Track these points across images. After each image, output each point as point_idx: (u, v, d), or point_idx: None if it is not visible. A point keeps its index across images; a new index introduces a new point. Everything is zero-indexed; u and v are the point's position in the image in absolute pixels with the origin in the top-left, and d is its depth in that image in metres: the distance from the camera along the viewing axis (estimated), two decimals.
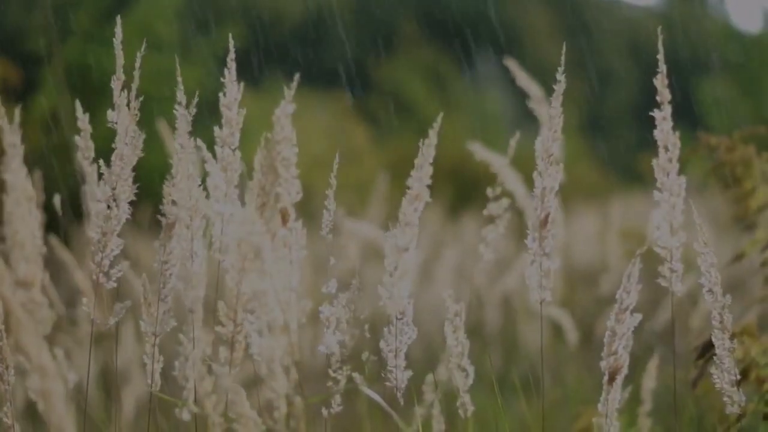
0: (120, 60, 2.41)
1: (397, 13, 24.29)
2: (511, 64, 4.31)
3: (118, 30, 2.41)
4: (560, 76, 2.38)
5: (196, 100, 2.43)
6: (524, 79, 4.29)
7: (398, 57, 22.71)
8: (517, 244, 6.32)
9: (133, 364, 4.10)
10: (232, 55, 2.44)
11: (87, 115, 2.56)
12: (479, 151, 3.86)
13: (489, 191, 2.95)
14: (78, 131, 2.56)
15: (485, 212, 2.95)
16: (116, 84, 2.41)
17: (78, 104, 2.56)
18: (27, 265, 2.85)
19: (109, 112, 2.41)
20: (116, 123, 2.41)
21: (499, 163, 3.90)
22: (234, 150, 2.44)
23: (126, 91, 2.42)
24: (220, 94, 2.44)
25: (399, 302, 2.33)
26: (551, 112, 2.39)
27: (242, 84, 2.46)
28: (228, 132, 2.45)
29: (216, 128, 2.44)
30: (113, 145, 2.42)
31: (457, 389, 2.56)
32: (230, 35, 2.47)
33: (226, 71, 2.44)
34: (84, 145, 2.59)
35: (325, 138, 14.55)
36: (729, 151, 3.29)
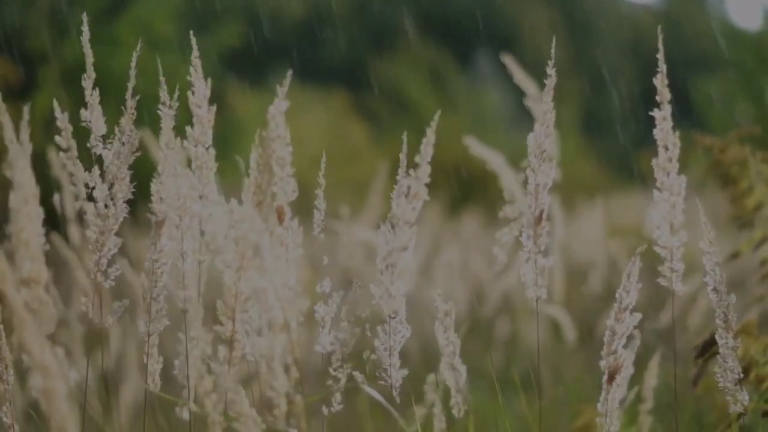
0: (89, 58, 2.41)
1: (396, 11, 24.29)
2: (509, 60, 4.30)
3: (86, 28, 2.42)
4: (551, 71, 2.38)
5: (177, 94, 2.43)
6: (521, 76, 4.29)
7: (397, 55, 22.71)
8: (515, 242, 6.32)
9: (133, 363, 4.11)
10: (196, 53, 2.43)
11: (66, 114, 2.56)
12: (475, 146, 3.85)
13: (506, 194, 2.94)
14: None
15: (501, 214, 2.94)
16: (87, 83, 2.41)
17: (56, 103, 2.56)
18: (32, 263, 2.85)
19: (82, 111, 2.41)
20: (90, 122, 2.41)
21: (495, 161, 3.89)
22: (207, 148, 2.43)
23: (95, 89, 2.42)
24: (189, 93, 2.43)
25: (396, 301, 2.33)
26: (543, 108, 2.39)
27: (210, 80, 2.45)
28: (200, 131, 2.44)
29: (188, 128, 2.43)
30: (88, 144, 2.41)
31: (451, 388, 2.56)
32: (191, 32, 2.46)
33: (191, 69, 2.43)
34: (66, 145, 2.59)
35: (324, 135, 14.55)
36: (722, 152, 3.30)
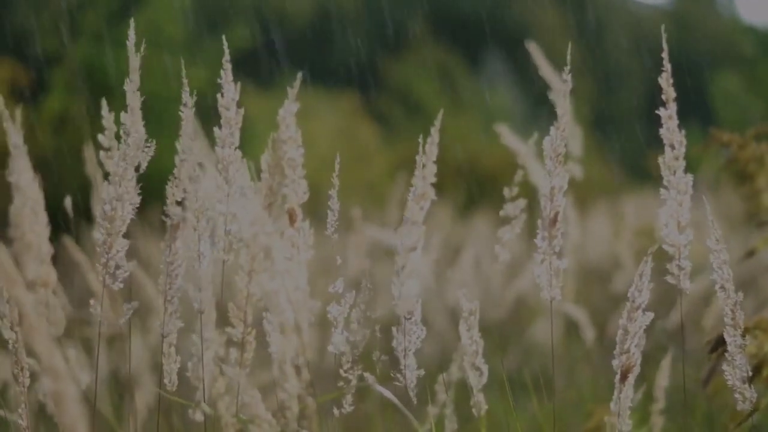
0: (134, 63, 2.40)
1: (406, 12, 24.30)
2: (533, 49, 4.27)
3: (131, 32, 2.41)
4: (566, 76, 2.38)
5: (194, 99, 2.43)
6: (546, 68, 4.27)
7: (408, 55, 22.72)
8: (530, 242, 6.31)
9: (145, 364, 4.10)
10: (227, 57, 2.44)
11: (113, 114, 2.56)
12: (506, 135, 3.84)
13: (506, 191, 2.93)
14: (96, 131, 2.56)
15: (501, 213, 2.93)
16: (130, 86, 2.40)
17: (104, 102, 2.56)
18: (40, 266, 2.84)
19: (123, 114, 2.40)
20: (130, 125, 2.41)
21: (524, 152, 3.88)
22: (234, 149, 2.44)
23: (137, 92, 2.42)
24: (218, 95, 2.44)
25: (407, 302, 2.33)
26: (559, 112, 2.39)
27: (239, 84, 2.45)
28: (227, 132, 2.44)
29: (216, 129, 2.43)
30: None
31: (470, 388, 2.56)
32: (224, 38, 2.47)
33: (222, 72, 2.43)
34: (108, 145, 2.58)
35: (335, 137, 14.57)
36: (741, 148, 3.30)
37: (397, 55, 22.66)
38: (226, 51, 2.43)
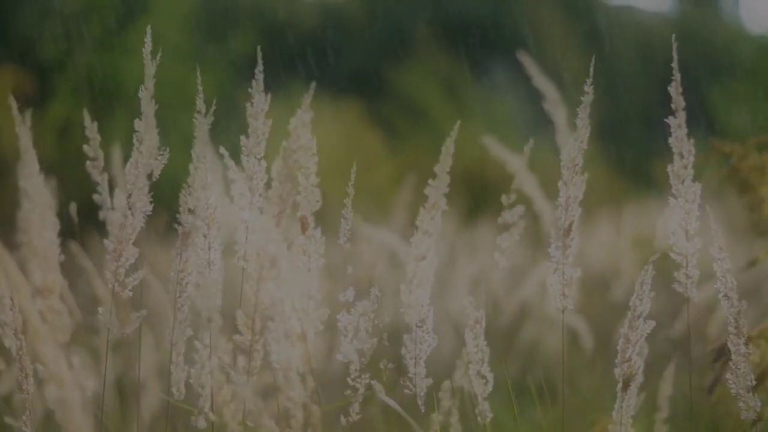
0: (149, 70, 2.41)
1: (411, 19, 24.30)
2: (527, 61, 4.27)
3: (148, 40, 2.41)
4: (588, 88, 2.39)
5: (213, 108, 2.43)
6: (540, 79, 4.27)
7: (412, 63, 22.70)
8: (532, 251, 6.31)
9: (150, 372, 4.10)
10: (260, 67, 2.44)
11: (95, 123, 2.56)
12: (493, 147, 3.85)
13: (504, 198, 2.94)
14: (87, 140, 2.57)
15: (500, 220, 2.94)
16: (144, 94, 2.41)
17: (86, 113, 2.56)
18: (46, 272, 2.85)
19: (137, 121, 2.40)
20: (143, 133, 2.41)
21: (515, 163, 3.88)
22: (259, 159, 2.44)
23: (152, 99, 2.42)
24: (247, 104, 2.44)
25: (417, 310, 2.33)
26: (578, 123, 2.40)
27: (269, 95, 2.46)
28: (254, 141, 2.45)
29: (243, 138, 2.44)
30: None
31: (475, 396, 2.56)
32: (258, 48, 2.47)
33: (253, 82, 2.43)
34: (93, 154, 2.59)
35: (339, 144, 14.56)
36: (742, 158, 3.31)
37: (402, 62, 22.64)
38: (260, 61, 2.43)
